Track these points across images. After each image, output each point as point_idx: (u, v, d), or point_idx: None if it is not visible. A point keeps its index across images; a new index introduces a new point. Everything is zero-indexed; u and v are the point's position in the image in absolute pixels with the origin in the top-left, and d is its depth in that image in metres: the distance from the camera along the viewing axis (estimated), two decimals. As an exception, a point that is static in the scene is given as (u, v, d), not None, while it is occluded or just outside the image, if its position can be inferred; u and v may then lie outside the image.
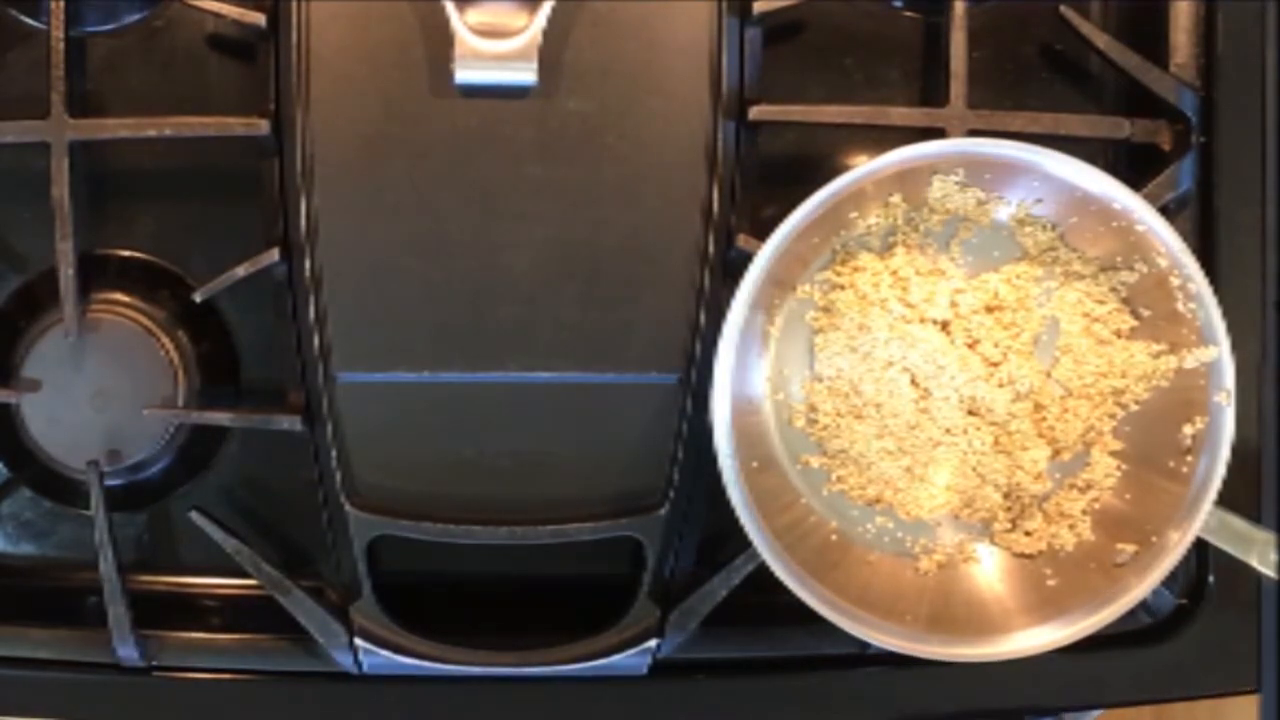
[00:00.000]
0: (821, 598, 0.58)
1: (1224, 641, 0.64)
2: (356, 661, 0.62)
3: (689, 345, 0.60)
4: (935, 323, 0.60)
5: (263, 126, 0.59)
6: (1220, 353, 0.58)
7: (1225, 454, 0.59)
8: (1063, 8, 0.62)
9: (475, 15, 0.56)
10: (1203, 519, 0.59)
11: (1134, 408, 0.61)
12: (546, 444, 0.61)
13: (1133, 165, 0.64)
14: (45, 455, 0.62)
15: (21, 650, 0.62)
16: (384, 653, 0.61)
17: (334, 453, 0.60)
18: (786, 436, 0.61)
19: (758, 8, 0.60)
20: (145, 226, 0.63)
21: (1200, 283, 0.58)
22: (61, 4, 0.59)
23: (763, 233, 0.57)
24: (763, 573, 0.58)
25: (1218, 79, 0.63)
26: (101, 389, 0.61)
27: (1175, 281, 0.58)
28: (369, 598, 0.61)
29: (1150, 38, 0.63)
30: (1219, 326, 0.58)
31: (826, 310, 0.61)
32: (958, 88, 0.61)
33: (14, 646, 0.62)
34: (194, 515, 0.62)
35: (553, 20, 0.57)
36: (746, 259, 0.57)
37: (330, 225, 0.59)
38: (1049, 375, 0.61)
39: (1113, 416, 0.61)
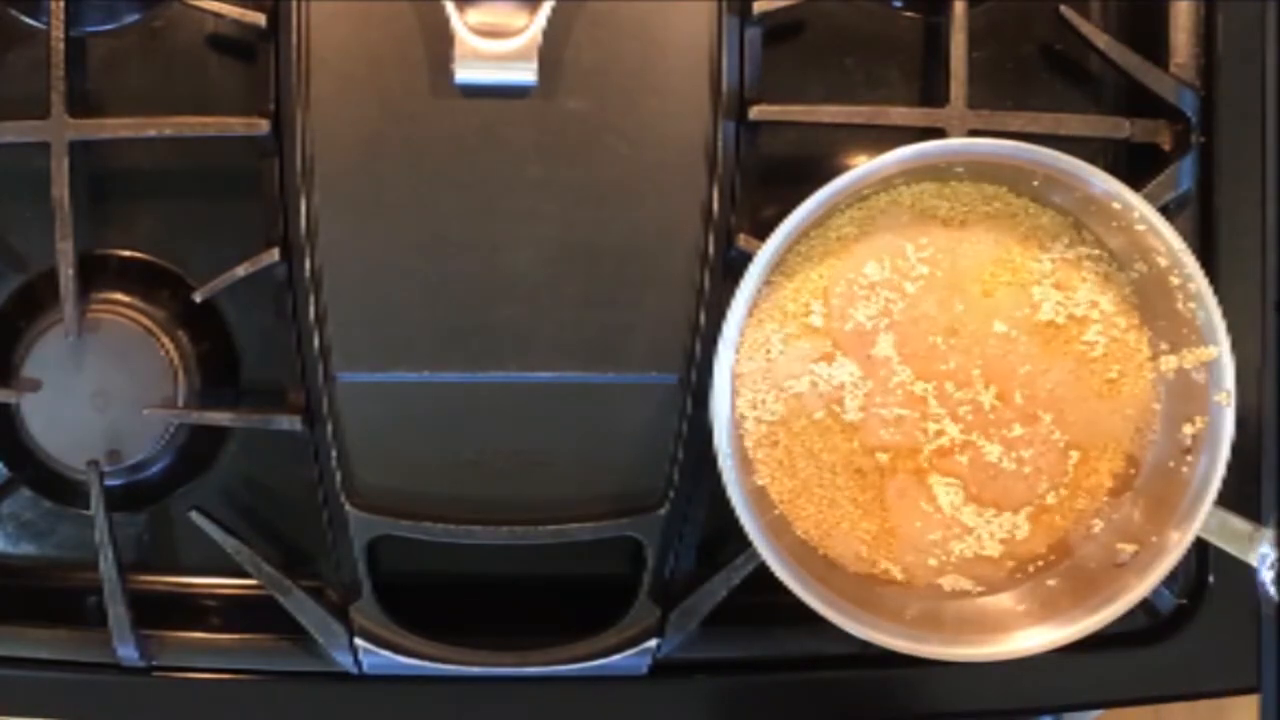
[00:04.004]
0: (821, 598, 0.58)
1: (1224, 641, 0.64)
2: (356, 661, 0.62)
3: (689, 345, 0.60)
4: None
5: (263, 126, 0.59)
6: (1220, 353, 0.58)
7: (1225, 454, 0.59)
8: (1063, 8, 0.62)
9: (475, 15, 0.56)
10: (1203, 519, 0.59)
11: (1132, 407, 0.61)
12: (546, 444, 0.61)
13: (1133, 165, 0.64)
14: (45, 455, 0.62)
15: (21, 650, 0.62)
16: (384, 653, 0.61)
17: (334, 453, 0.60)
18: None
19: (758, 8, 0.60)
20: (145, 226, 0.63)
21: (1200, 283, 0.58)
22: (61, 4, 0.59)
23: (763, 233, 0.57)
24: (763, 573, 0.58)
25: (1218, 79, 0.63)
26: (101, 389, 0.61)
27: (1175, 281, 0.58)
28: (369, 598, 0.61)
29: (1150, 38, 0.63)
30: (1219, 326, 0.58)
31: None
32: (958, 88, 0.61)
33: (14, 646, 0.62)
34: (194, 515, 0.62)
35: (553, 20, 0.57)
36: (746, 259, 0.57)
37: (330, 225, 0.59)
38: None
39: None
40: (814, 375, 0.59)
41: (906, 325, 0.59)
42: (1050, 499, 0.61)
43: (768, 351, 0.59)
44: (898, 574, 0.61)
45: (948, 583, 0.61)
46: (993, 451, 0.60)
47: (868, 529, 0.60)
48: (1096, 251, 0.60)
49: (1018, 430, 0.60)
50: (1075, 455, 0.60)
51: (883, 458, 0.60)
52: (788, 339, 0.59)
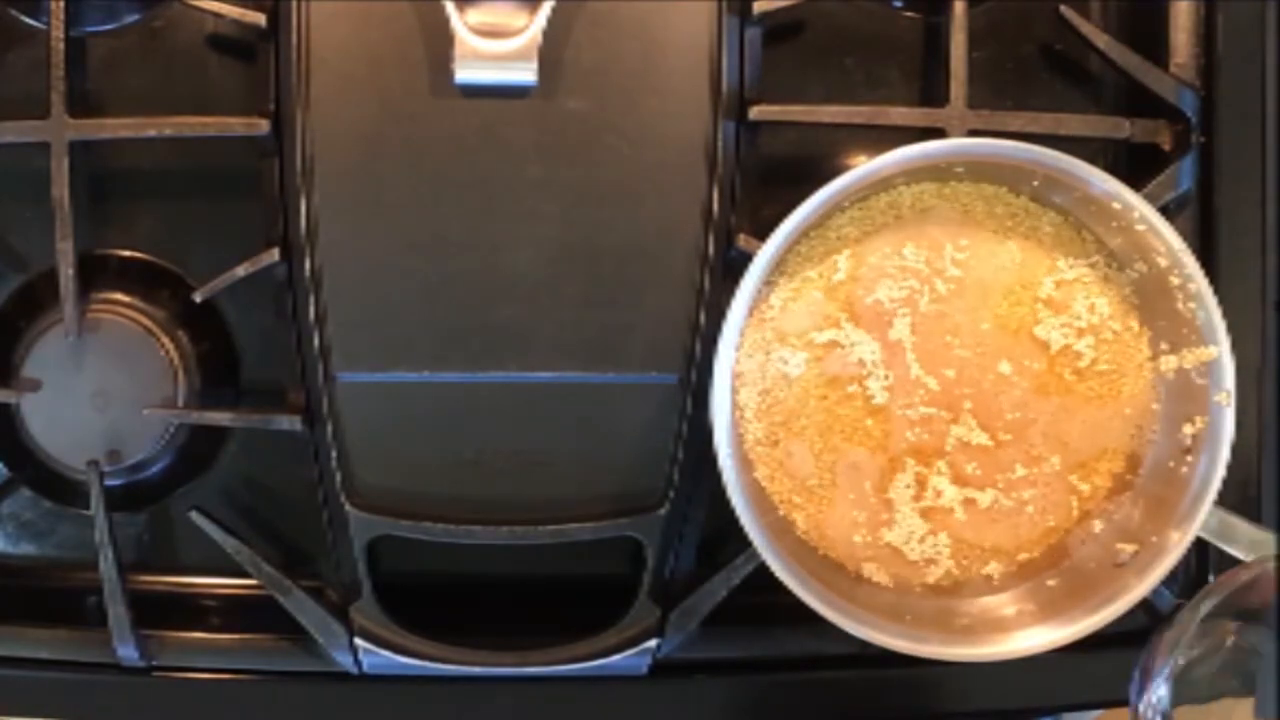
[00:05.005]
0: (821, 598, 0.58)
1: (1224, 641, 0.64)
2: (356, 661, 0.62)
3: (689, 345, 0.60)
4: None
5: (263, 126, 0.59)
6: (1220, 353, 0.58)
7: (1225, 454, 0.59)
8: (1063, 8, 0.62)
9: (475, 15, 0.56)
10: (1203, 519, 0.59)
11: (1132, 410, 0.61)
12: (546, 444, 0.61)
13: (1133, 165, 0.64)
14: (45, 455, 0.62)
15: (21, 650, 0.62)
16: (384, 653, 0.61)
17: (334, 453, 0.60)
18: (786, 436, 0.61)
19: (758, 8, 0.60)
20: (145, 226, 0.63)
21: (1200, 283, 0.58)
22: (61, 4, 0.59)
23: (763, 233, 0.57)
24: (763, 573, 0.58)
25: (1218, 79, 0.63)
26: (101, 389, 0.61)
27: (1175, 281, 0.58)
28: (369, 598, 0.61)
29: (1150, 38, 0.63)
30: (1219, 326, 0.58)
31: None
32: (958, 88, 0.61)
33: (14, 646, 0.62)
34: (194, 515, 0.62)
35: (553, 20, 0.57)
36: (746, 259, 0.57)
37: (330, 225, 0.59)
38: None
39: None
40: (833, 337, 0.59)
41: (931, 320, 0.59)
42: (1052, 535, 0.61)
43: (775, 306, 0.59)
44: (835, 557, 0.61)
45: (867, 570, 0.61)
46: (985, 498, 0.60)
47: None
48: (1099, 259, 0.60)
49: (1020, 471, 0.60)
50: (1085, 488, 0.61)
51: (912, 464, 0.60)
52: (795, 296, 0.59)
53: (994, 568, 0.61)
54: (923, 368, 0.59)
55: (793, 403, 0.59)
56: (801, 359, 0.59)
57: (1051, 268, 0.60)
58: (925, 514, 0.60)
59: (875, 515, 0.60)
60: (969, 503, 0.60)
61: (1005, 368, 0.59)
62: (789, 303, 0.59)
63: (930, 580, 0.61)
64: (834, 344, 0.59)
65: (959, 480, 0.60)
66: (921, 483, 0.60)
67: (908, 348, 0.59)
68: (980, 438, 0.59)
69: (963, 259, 0.59)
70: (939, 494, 0.60)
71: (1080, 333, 0.60)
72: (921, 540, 0.60)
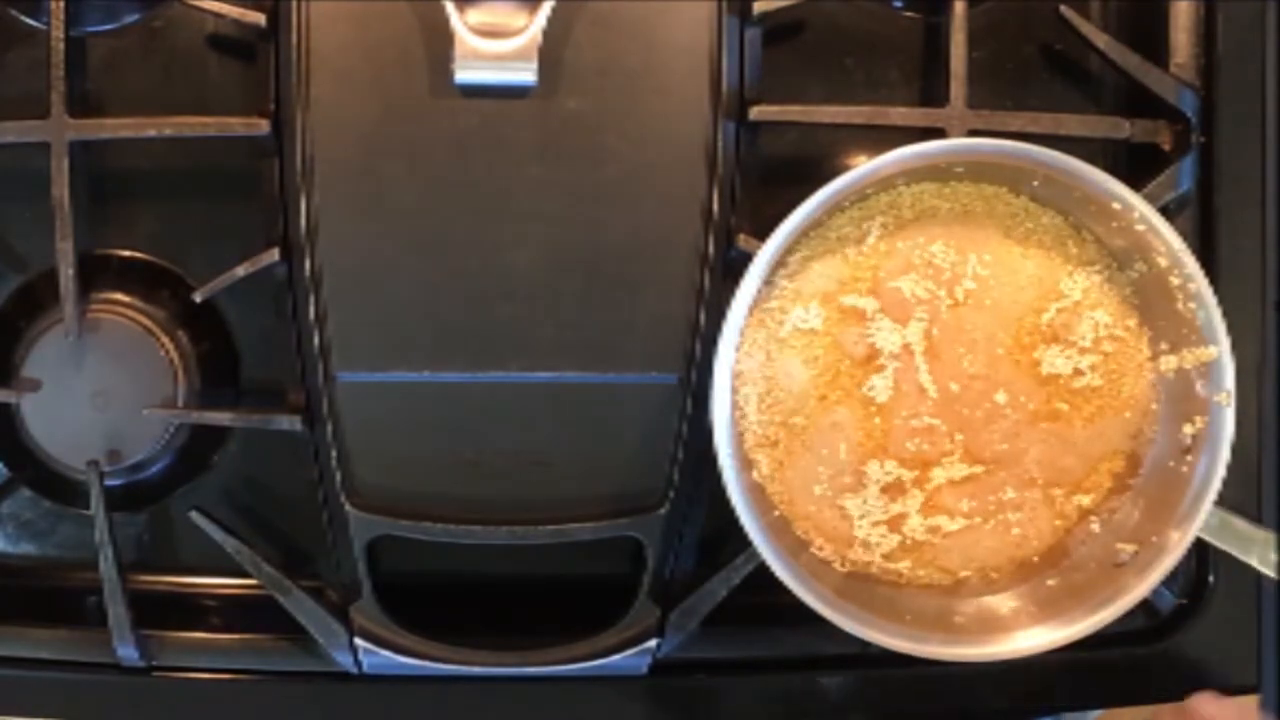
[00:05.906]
0: (821, 598, 0.58)
1: (1224, 641, 0.64)
2: (356, 661, 0.62)
3: (689, 345, 0.60)
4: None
5: (263, 126, 0.59)
6: (1220, 353, 0.58)
7: (1225, 454, 0.59)
8: (1063, 8, 0.63)
9: (475, 15, 0.56)
10: (1203, 519, 0.59)
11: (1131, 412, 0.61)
12: (546, 444, 0.61)
13: (1133, 165, 0.64)
14: (45, 455, 0.62)
15: (21, 650, 0.63)
16: (384, 653, 0.61)
17: (334, 453, 0.60)
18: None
19: (758, 8, 0.60)
20: (145, 226, 0.63)
21: (1200, 283, 0.58)
22: (61, 4, 0.59)
23: (763, 233, 0.57)
24: (763, 573, 0.58)
25: (1218, 79, 0.63)
26: (101, 389, 0.61)
27: (1175, 281, 0.58)
28: (369, 598, 0.61)
29: (1150, 38, 0.63)
30: (1219, 326, 0.58)
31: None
32: (958, 88, 0.61)
33: (14, 646, 0.63)
34: (194, 515, 0.62)
35: (553, 20, 0.57)
36: (746, 259, 0.57)
37: (330, 225, 0.59)
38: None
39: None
40: (855, 303, 0.59)
41: (949, 330, 0.59)
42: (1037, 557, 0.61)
43: (794, 265, 0.59)
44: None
45: (814, 547, 0.61)
46: (954, 525, 0.60)
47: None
48: (1100, 265, 0.60)
49: (1010, 494, 0.60)
50: (1086, 501, 0.61)
51: (903, 472, 0.60)
52: (819, 258, 0.59)
53: (931, 574, 0.61)
54: (930, 375, 0.59)
55: (793, 402, 0.59)
56: (817, 310, 0.59)
57: (1058, 294, 0.60)
58: (890, 514, 0.60)
59: (839, 478, 0.60)
60: (935, 529, 0.60)
61: (1001, 397, 0.59)
62: (812, 262, 0.59)
63: (852, 558, 0.60)
64: (854, 313, 0.59)
65: (933, 511, 0.60)
66: (900, 488, 0.59)
67: (918, 352, 0.59)
68: (964, 470, 0.59)
69: (985, 274, 0.59)
70: (904, 517, 0.60)
71: (1083, 352, 0.60)
72: (875, 525, 0.60)
